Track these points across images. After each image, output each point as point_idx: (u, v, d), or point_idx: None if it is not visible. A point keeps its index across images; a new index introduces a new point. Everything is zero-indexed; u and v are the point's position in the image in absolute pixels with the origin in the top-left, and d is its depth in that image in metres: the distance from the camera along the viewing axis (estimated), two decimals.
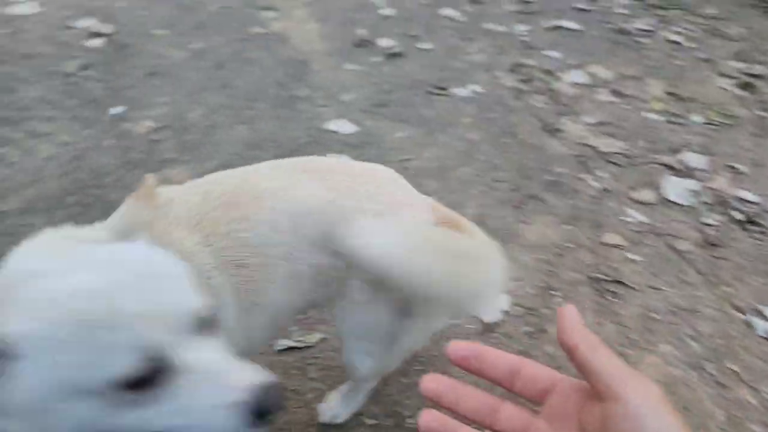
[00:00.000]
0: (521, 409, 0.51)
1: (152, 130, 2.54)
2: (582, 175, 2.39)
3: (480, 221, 2.13)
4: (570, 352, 0.47)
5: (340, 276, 1.06)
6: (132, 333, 0.62)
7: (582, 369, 0.47)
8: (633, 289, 1.88)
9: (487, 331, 1.74)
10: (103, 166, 2.38)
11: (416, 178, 2.37)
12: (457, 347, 0.52)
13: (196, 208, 0.99)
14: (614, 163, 2.46)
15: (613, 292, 1.87)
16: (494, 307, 1.81)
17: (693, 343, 1.70)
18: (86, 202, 2.20)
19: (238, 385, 0.65)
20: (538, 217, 2.18)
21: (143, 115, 2.65)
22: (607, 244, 2.05)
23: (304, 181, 1.05)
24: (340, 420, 1.43)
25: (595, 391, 0.46)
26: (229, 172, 1.10)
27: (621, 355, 1.66)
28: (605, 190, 2.31)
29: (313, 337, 1.67)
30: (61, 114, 2.66)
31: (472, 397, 0.52)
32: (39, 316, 0.62)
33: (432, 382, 0.52)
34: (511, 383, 0.52)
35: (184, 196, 1.01)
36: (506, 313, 1.80)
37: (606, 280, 1.90)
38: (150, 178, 0.81)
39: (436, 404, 0.51)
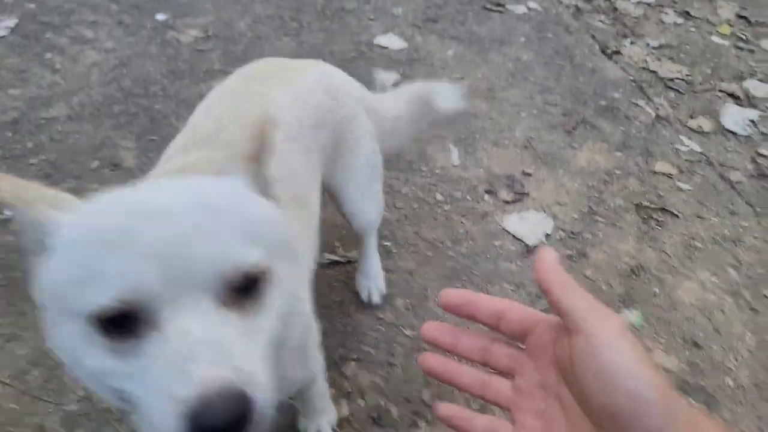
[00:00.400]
0: (510, 346, 0.60)
1: (198, 40, 2.68)
2: (638, 101, 2.46)
3: (528, 144, 2.27)
4: (545, 292, 0.55)
5: (335, 139, 1.31)
6: (125, 264, 0.55)
7: (554, 307, 0.54)
8: (678, 217, 2.00)
9: (529, 253, 1.90)
10: (148, 74, 2.54)
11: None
12: (448, 294, 0.60)
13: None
14: (674, 89, 2.52)
15: (657, 219, 2.00)
16: (538, 231, 1.97)
17: (732, 272, 1.84)
18: (132, 111, 2.37)
19: (193, 383, 0.53)
20: (588, 143, 2.29)
21: (188, 23, 2.78)
22: (656, 173, 2.16)
23: (278, 87, 1.22)
24: (378, 297, 1.70)
25: (565, 327, 0.53)
26: (202, 118, 1.16)
27: (659, 280, 1.82)
28: (661, 117, 2.39)
29: (354, 253, 1.85)
30: (104, 19, 2.81)
31: (467, 338, 0.61)
32: (81, 217, 0.60)
33: (431, 328, 0.62)
34: (498, 325, 0.60)
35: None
36: (548, 236, 1.96)
37: (652, 208, 2.03)
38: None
39: (436, 346, 0.62)
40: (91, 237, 0.57)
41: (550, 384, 0.55)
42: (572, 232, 1.97)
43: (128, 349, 0.56)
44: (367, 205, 1.52)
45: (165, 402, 0.53)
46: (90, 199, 0.63)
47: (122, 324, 0.56)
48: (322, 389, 1.36)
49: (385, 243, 1.89)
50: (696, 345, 1.65)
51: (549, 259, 0.56)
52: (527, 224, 1.99)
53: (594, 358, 0.49)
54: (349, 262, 1.83)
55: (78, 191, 2.00)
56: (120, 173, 2.08)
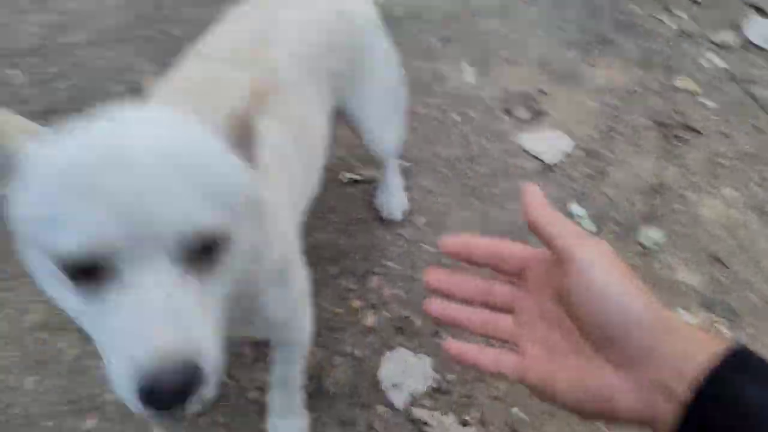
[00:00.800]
0: (508, 284, 0.59)
1: None
2: (659, 15, 2.25)
3: (544, 63, 2.09)
4: (533, 227, 0.54)
5: (350, 66, 1.19)
6: (93, 211, 0.51)
7: (544, 240, 0.53)
8: (701, 134, 1.85)
9: (547, 171, 1.76)
10: None
11: (476, 18, 2.28)
12: (447, 241, 0.59)
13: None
14: (695, 2, 2.29)
15: (679, 137, 1.85)
16: (556, 149, 1.82)
17: (757, 188, 1.70)
18: (150, 35, 2.23)
19: (148, 349, 0.50)
20: (606, 60, 2.11)
21: None
22: (678, 89, 1.99)
23: (286, 7, 1.10)
24: (399, 214, 1.61)
25: (556, 258, 0.52)
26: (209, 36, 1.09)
27: (681, 197, 1.68)
28: (682, 31, 2.19)
29: (374, 172, 1.73)
30: None
31: (467, 282, 0.60)
32: (49, 151, 0.54)
33: (431, 275, 0.61)
34: (496, 265, 0.59)
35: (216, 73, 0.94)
36: (567, 154, 1.81)
37: (673, 125, 1.87)
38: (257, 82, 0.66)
39: (438, 293, 0.60)
40: (56, 176, 0.52)
41: (549, 314, 0.55)
42: (591, 151, 1.83)
43: (92, 295, 0.54)
44: (388, 134, 1.42)
45: (121, 360, 0.52)
46: (59, 129, 0.57)
47: (87, 270, 0.53)
48: (294, 373, 1.15)
49: (403, 163, 1.76)
50: (719, 261, 1.53)
51: (534, 196, 0.55)
52: (545, 143, 1.85)
53: (584, 281, 0.49)
54: (369, 181, 1.71)
55: None
56: (143, 97, 1.96)
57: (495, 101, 1.97)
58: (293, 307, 0.98)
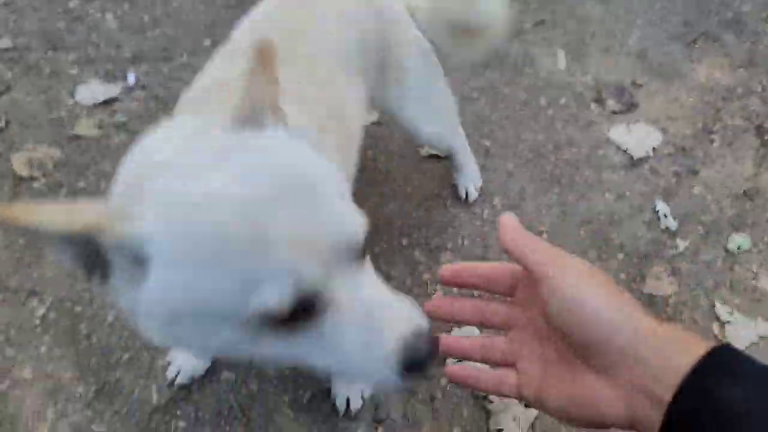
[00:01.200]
0: (502, 303, 0.61)
1: None
2: None
3: (642, 55, 2.02)
4: (510, 255, 0.56)
5: (381, 61, 1.17)
6: (281, 261, 0.51)
7: (520, 262, 0.56)
8: None
9: (634, 165, 1.72)
10: None
11: (574, 2, 2.22)
12: (444, 270, 0.63)
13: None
14: None
15: None
16: (646, 143, 1.77)
17: None
18: None
19: (391, 332, 0.56)
20: (709, 58, 2.02)
21: None
22: None
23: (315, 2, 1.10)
24: (475, 194, 1.62)
25: (532, 278, 0.55)
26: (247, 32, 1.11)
27: None
28: None
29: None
30: None
31: (463, 304, 0.63)
32: (171, 221, 0.52)
33: (432, 304, 0.64)
34: (490, 287, 0.62)
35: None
36: (656, 150, 1.76)
37: None
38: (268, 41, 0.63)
39: (438, 319, 0.64)
40: (217, 240, 0.51)
41: (540, 329, 0.57)
42: (683, 148, 1.77)
43: (302, 331, 0.55)
44: (433, 127, 1.39)
45: (369, 360, 0.57)
46: (160, 201, 0.53)
47: (295, 313, 0.53)
48: None
49: (485, 142, 1.76)
50: None
51: (510, 224, 0.57)
52: (635, 136, 1.80)
53: (558, 295, 0.51)
54: (446, 157, 1.72)
55: (192, 67, 1.90)
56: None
57: (586, 89, 1.92)
58: None
